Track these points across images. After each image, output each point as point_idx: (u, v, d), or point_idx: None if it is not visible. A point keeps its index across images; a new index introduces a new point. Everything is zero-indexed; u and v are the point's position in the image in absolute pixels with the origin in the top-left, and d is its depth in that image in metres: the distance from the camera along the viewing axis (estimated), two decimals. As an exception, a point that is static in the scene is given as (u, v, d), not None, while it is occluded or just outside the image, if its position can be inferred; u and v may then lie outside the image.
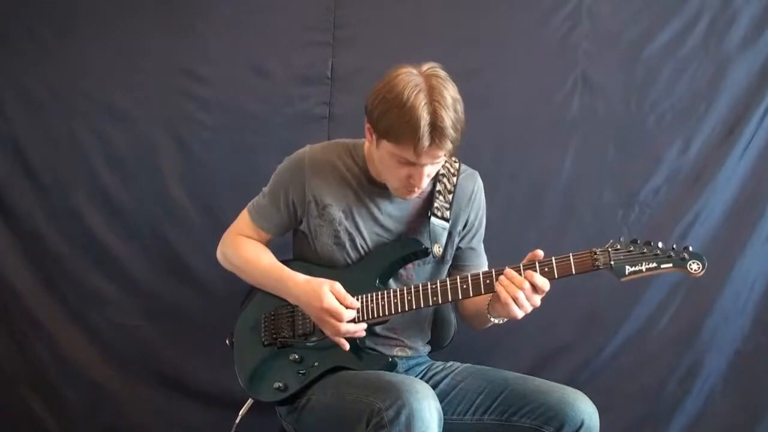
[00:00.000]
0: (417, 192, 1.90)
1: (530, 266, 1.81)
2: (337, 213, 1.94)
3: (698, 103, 2.60)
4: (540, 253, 1.83)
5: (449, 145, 1.78)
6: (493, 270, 1.84)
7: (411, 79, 1.79)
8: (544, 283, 1.78)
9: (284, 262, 2.05)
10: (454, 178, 2.00)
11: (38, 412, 2.63)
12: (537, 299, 1.80)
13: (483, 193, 2.07)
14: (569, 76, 2.61)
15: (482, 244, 2.10)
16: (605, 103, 2.61)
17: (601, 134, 2.62)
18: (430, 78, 1.79)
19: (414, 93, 1.76)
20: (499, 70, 2.61)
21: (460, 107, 1.80)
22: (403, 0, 2.63)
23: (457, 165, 2.02)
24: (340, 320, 1.87)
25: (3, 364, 2.64)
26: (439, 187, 1.98)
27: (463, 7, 2.62)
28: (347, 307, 1.88)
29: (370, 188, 1.95)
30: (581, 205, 2.62)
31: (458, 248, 2.04)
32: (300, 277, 1.95)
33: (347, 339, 1.91)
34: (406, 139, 1.77)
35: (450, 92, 1.79)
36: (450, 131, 1.76)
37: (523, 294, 1.77)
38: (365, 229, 1.95)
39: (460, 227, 2.02)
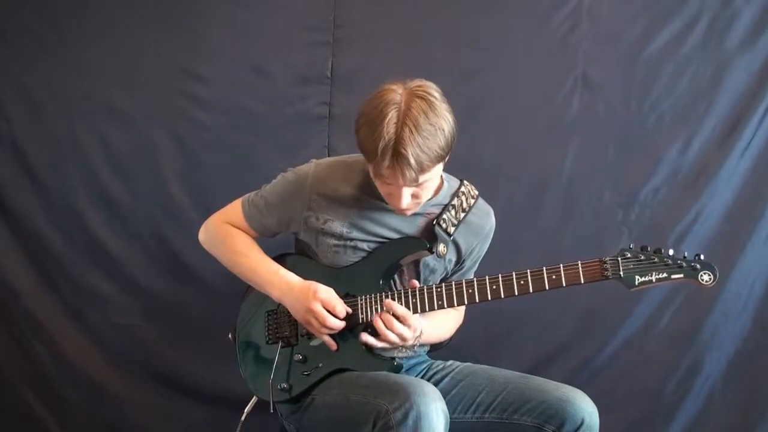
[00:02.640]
0: (408, 211, 1.86)
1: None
2: (339, 228, 1.93)
3: (698, 103, 2.59)
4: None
5: (411, 174, 1.69)
6: (499, 275, 1.83)
7: (391, 97, 1.71)
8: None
9: (286, 254, 2.05)
10: (472, 200, 1.97)
11: (38, 412, 2.63)
12: (401, 329, 1.84)
13: (493, 231, 2.03)
14: (569, 76, 2.61)
15: (475, 268, 2.09)
16: (605, 103, 2.61)
17: (601, 134, 2.62)
18: (412, 98, 1.71)
19: (387, 110, 1.69)
20: (499, 70, 2.61)
21: (440, 134, 1.70)
22: (403, 0, 2.63)
23: (476, 191, 2.00)
24: (331, 312, 1.88)
25: (3, 364, 2.64)
26: (455, 201, 1.95)
27: (463, 7, 2.62)
28: (335, 316, 1.89)
29: (376, 203, 1.92)
30: (581, 205, 2.62)
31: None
32: (292, 276, 1.95)
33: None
34: (370, 158, 1.73)
35: (430, 117, 1.70)
36: (411, 159, 1.67)
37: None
38: (369, 241, 1.93)
39: (456, 258, 1.99)
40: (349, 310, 1.91)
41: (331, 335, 1.93)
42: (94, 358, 2.65)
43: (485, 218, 2.01)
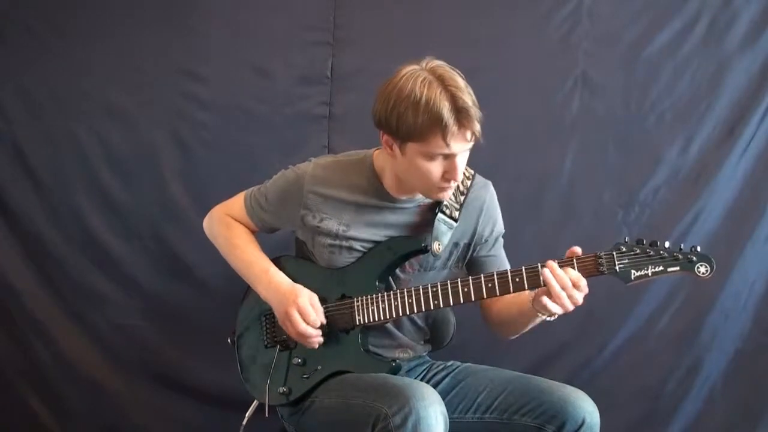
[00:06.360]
0: (453, 187, 1.85)
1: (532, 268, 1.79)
2: (335, 226, 1.93)
3: (698, 103, 2.60)
4: (578, 249, 1.77)
5: (476, 126, 1.74)
6: (494, 273, 1.82)
7: (417, 74, 1.75)
8: (578, 278, 1.73)
9: (284, 256, 2.05)
10: (468, 182, 1.96)
11: (38, 412, 2.63)
12: (579, 296, 1.74)
13: (496, 201, 2.02)
14: (569, 76, 2.61)
15: (503, 251, 2.06)
16: (605, 103, 2.61)
17: (601, 134, 2.62)
18: (435, 69, 1.76)
19: (426, 85, 1.73)
20: (499, 70, 2.61)
21: (471, 90, 1.77)
22: (403, 0, 2.63)
23: (472, 171, 1.98)
24: (305, 320, 1.88)
25: (3, 364, 2.64)
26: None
27: (463, 7, 2.62)
28: (308, 324, 1.89)
29: (375, 201, 1.92)
30: (581, 205, 2.62)
31: (477, 258, 2.01)
32: (281, 277, 1.95)
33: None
34: (433, 132, 1.72)
35: (458, 77, 1.76)
36: (474, 110, 1.73)
37: (564, 292, 1.73)
38: (365, 240, 1.93)
39: (468, 239, 1.98)
40: (323, 320, 1.91)
41: (332, 338, 1.92)
42: (94, 358, 2.65)
43: (482, 191, 2.00)
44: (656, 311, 2.61)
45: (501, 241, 2.04)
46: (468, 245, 1.99)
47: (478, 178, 2.00)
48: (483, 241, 2.00)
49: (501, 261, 2.04)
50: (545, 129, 2.62)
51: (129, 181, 2.63)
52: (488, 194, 2.01)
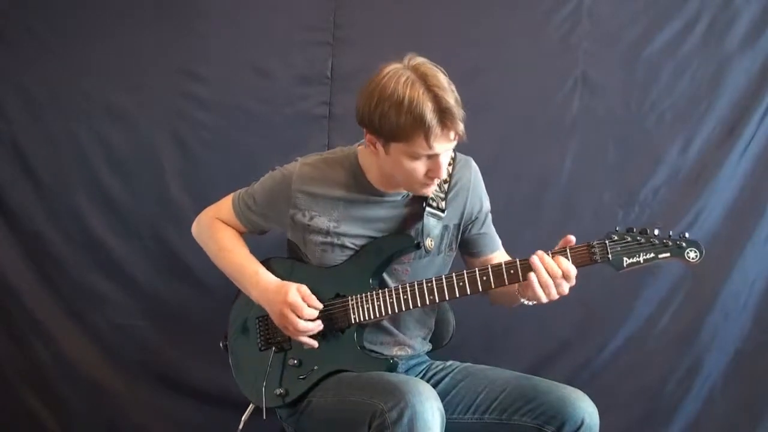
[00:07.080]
0: (436, 183, 1.86)
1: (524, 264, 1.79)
2: (326, 223, 1.92)
3: (698, 103, 2.60)
4: (572, 238, 1.79)
5: (460, 126, 1.73)
6: (489, 266, 1.82)
7: (399, 73, 1.74)
8: (568, 269, 1.75)
9: (274, 257, 2.05)
10: (450, 168, 1.95)
11: (38, 412, 2.64)
12: (566, 286, 1.76)
13: (479, 177, 2.01)
14: (569, 76, 2.61)
15: (492, 227, 2.05)
16: (605, 103, 2.61)
17: (601, 134, 2.62)
18: (417, 67, 1.75)
19: (408, 85, 1.72)
20: (499, 70, 2.61)
21: (454, 87, 1.76)
22: (403, 0, 2.63)
23: (452, 153, 1.96)
24: (300, 316, 1.87)
25: (3, 364, 2.64)
26: None
27: (463, 7, 2.62)
28: (309, 306, 1.88)
29: (362, 196, 1.92)
30: (581, 205, 2.62)
31: (469, 237, 2.01)
32: (270, 277, 1.95)
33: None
34: (416, 134, 1.72)
35: (441, 75, 1.75)
36: (457, 109, 1.72)
37: (552, 281, 1.74)
38: (356, 236, 1.93)
39: (457, 220, 1.98)
40: (319, 306, 1.90)
41: (327, 337, 1.92)
42: (94, 358, 2.65)
43: (465, 170, 1.99)
44: (656, 311, 2.61)
45: (490, 216, 2.04)
46: (458, 225, 1.99)
47: (459, 156, 1.99)
48: (473, 218, 2.00)
49: (491, 237, 2.05)
50: (545, 129, 2.62)
51: (129, 181, 2.63)
52: (472, 172, 2.00)
